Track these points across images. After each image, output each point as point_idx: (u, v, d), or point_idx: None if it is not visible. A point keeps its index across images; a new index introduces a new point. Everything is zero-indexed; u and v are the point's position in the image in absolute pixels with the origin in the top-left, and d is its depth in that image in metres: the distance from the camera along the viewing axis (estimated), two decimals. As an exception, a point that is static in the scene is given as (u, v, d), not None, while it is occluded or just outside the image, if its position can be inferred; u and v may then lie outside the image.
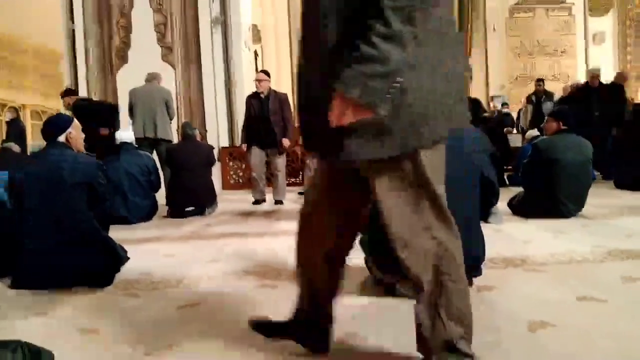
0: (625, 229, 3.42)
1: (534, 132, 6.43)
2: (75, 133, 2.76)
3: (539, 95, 8.40)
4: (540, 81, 8.71)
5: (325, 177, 1.44)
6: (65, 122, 2.79)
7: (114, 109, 6.68)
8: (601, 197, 5.06)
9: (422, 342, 1.34)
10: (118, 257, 2.71)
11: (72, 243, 2.51)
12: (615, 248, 2.84)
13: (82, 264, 2.49)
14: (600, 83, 7.28)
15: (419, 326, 1.32)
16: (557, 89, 9.95)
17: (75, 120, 2.81)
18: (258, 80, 5.64)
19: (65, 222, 2.51)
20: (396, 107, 1.10)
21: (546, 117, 4.39)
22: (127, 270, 2.78)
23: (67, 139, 2.71)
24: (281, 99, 5.65)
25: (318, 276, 1.53)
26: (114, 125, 6.15)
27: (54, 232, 2.50)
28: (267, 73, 5.81)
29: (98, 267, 2.54)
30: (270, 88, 5.68)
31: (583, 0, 12.45)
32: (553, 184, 3.90)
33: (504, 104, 9.66)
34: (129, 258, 2.91)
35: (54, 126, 2.75)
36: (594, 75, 7.36)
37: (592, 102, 6.96)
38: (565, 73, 11.96)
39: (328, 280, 1.54)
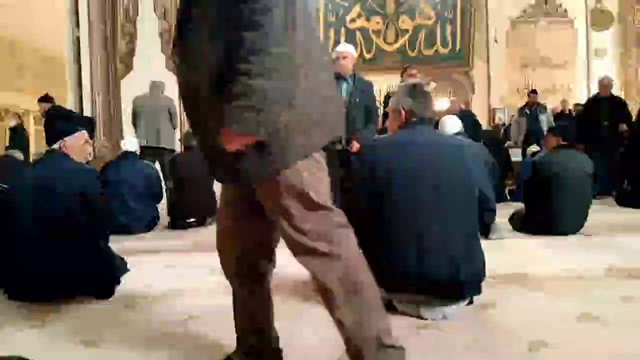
0: (626, 246, 3.42)
1: (534, 147, 6.44)
2: (71, 142, 2.69)
3: (533, 108, 8.15)
4: (534, 92, 8.49)
5: (231, 204, 1.52)
6: (60, 131, 2.74)
7: (88, 121, 6.52)
8: (602, 214, 5.06)
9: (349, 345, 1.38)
10: (116, 268, 2.70)
11: (67, 254, 2.47)
12: (615, 266, 2.85)
13: (78, 275, 2.48)
14: (611, 94, 6.96)
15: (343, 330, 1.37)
16: (557, 101, 10.00)
17: (80, 132, 2.80)
18: None
19: (59, 234, 2.48)
20: (275, 129, 1.25)
21: (545, 132, 4.40)
22: (128, 281, 2.78)
23: (62, 147, 2.67)
24: None
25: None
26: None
27: (48, 243, 2.47)
28: None
29: (95, 278, 2.53)
30: None
31: (585, 14, 12.52)
32: (553, 200, 3.91)
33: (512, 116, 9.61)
34: (128, 269, 2.91)
35: (51, 133, 2.74)
36: (603, 84, 6.98)
37: (602, 112, 6.64)
38: (567, 86, 12.00)
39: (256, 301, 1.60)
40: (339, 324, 1.37)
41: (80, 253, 2.52)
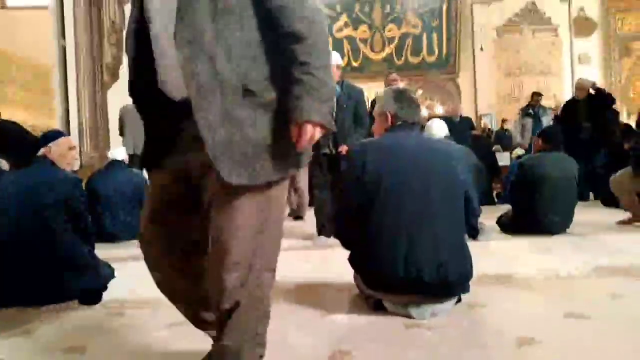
0: (612, 245, 3.46)
1: (520, 150, 6.50)
2: (56, 149, 2.69)
3: (536, 109, 8.05)
4: (537, 94, 8.36)
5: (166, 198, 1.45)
6: (46, 137, 2.75)
7: (24, 142, 5.66)
8: (588, 214, 5.11)
9: None
10: (102, 275, 2.66)
11: (49, 261, 2.46)
12: (602, 265, 2.88)
13: (63, 282, 2.47)
14: (590, 95, 6.65)
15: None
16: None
17: (64, 137, 2.79)
18: None
19: (41, 241, 2.47)
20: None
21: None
22: (115, 288, 2.75)
23: (47, 153, 2.67)
24: None
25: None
26: (17, 157, 5.21)
27: (32, 251, 2.46)
28: None
29: (80, 285, 2.50)
30: None
31: (568, 22, 12.73)
32: (539, 201, 3.94)
33: (504, 120, 9.68)
34: (114, 276, 2.84)
35: (37, 140, 2.73)
36: (578, 86, 6.78)
37: (579, 114, 6.44)
38: (552, 93, 12.15)
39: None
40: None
41: (64, 260, 2.50)
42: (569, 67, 12.65)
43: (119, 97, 7.17)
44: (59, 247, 2.51)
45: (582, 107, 6.51)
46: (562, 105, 7.83)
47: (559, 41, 12.75)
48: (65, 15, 8.08)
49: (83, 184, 2.84)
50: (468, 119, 8.42)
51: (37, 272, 2.43)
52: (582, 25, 13.27)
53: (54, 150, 2.70)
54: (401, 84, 4.90)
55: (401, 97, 2.27)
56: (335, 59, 4.18)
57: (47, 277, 2.45)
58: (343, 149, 3.92)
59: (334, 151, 3.98)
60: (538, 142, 4.27)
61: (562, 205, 3.96)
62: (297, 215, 5.61)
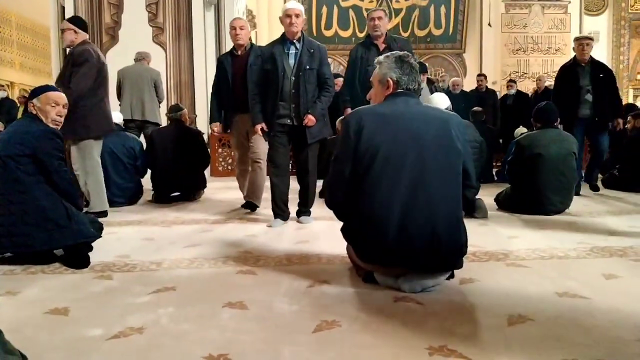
0: (610, 227, 3.41)
1: (522, 129, 6.40)
2: (39, 105, 2.68)
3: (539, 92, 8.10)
4: (539, 79, 8.63)
5: None
6: (33, 92, 2.75)
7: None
8: (588, 196, 5.06)
9: None
10: (78, 232, 2.57)
11: (17, 213, 2.46)
12: (598, 245, 2.83)
13: (28, 235, 2.45)
14: (592, 58, 5.22)
15: None
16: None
17: (47, 93, 2.72)
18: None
19: (10, 192, 2.48)
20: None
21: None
22: (104, 251, 2.72)
23: (30, 109, 2.69)
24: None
25: None
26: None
27: (5, 208, 2.47)
28: None
29: (50, 241, 2.48)
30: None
31: (579, -2, 12.44)
32: (537, 179, 3.89)
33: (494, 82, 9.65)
34: (100, 235, 2.77)
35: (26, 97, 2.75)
36: (580, 43, 5.15)
37: (582, 83, 5.09)
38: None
39: None
40: None
41: (32, 213, 2.48)
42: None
43: (118, 58, 7.04)
44: (27, 200, 2.48)
45: (583, 73, 5.13)
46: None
47: (568, 18, 12.49)
48: (63, -26, 7.88)
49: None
50: (492, 92, 8.59)
51: (13, 232, 2.45)
52: (592, 2, 12.97)
53: (36, 104, 2.69)
54: (380, 23, 4.05)
55: (403, 63, 2.19)
56: (301, 8, 3.62)
57: (13, 228, 2.44)
58: (308, 120, 3.48)
59: (295, 122, 3.52)
60: (535, 122, 4.19)
61: (560, 183, 3.90)
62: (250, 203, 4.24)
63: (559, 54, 12.27)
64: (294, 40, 3.57)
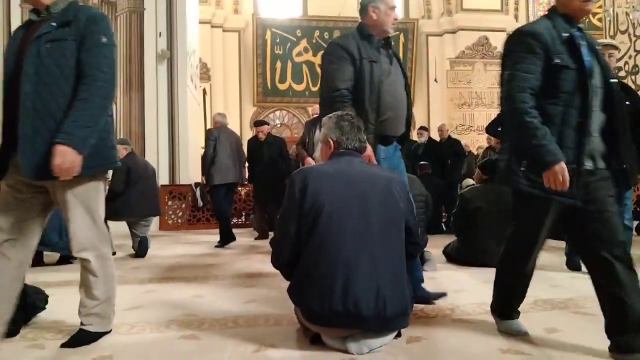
0: (551, 280, 3.51)
1: (470, 181, 6.62)
2: None
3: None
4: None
5: None
6: None
7: None
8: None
9: None
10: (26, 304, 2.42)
11: None
12: (540, 298, 2.91)
13: None
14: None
15: None
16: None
17: None
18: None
19: None
20: None
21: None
22: (37, 316, 2.56)
23: None
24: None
25: None
26: None
27: None
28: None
29: None
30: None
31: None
32: (478, 233, 3.99)
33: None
34: (44, 308, 2.62)
35: None
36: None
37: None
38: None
39: None
40: None
41: None
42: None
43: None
44: None
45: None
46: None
47: (508, 76, 13.28)
48: None
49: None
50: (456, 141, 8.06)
51: None
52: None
53: None
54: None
55: (342, 123, 2.25)
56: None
57: None
58: None
59: None
60: (479, 174, 4.37)
61: (502, 237, 3.98)
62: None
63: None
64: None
